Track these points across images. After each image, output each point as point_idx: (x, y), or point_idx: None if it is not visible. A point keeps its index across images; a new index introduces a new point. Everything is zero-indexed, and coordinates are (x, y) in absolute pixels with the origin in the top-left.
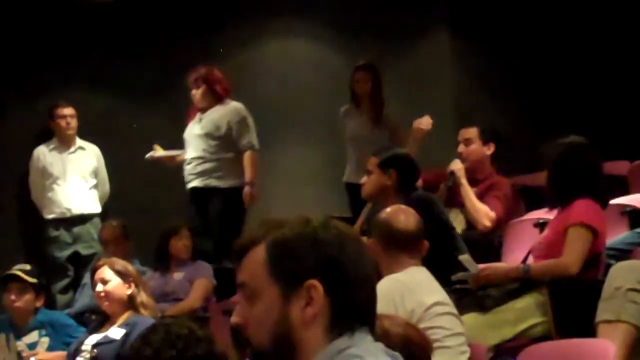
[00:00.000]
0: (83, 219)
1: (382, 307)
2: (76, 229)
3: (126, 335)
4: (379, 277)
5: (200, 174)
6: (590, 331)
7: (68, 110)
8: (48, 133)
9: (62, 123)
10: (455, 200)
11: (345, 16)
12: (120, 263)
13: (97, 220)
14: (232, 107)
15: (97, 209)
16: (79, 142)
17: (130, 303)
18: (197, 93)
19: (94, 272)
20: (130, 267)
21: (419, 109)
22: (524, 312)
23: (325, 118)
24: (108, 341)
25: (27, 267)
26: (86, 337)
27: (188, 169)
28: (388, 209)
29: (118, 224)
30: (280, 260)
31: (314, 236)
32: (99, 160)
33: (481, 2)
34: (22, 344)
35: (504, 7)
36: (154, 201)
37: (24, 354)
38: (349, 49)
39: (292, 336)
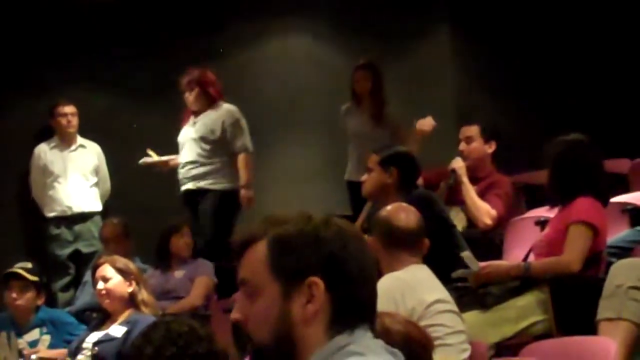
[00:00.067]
0: (84, 217)
1: (382, 305)
2: (77, 227)
3: (127, 333)
4: (380, 275)
5: (193, 178)
6: (591, 329)
7: (69, 109)
8: (49, 131)
9: (63, 121)
10: (456, 198)
11: (346, 16)
12: (122, 261)
13: (98, 218)
14: (225, 110)
15: (98, 207)
16: (80, 140)
17: (131, 301)
18: (190, 96)
19: (95, 270)
20: (131, 265)
21: (419, 109)
22: (525, 310)
23: (325, 117)
24: (109, 339)
25: (29, 265)
26: (87, 335)
27: (182, 172)
28: (389, 207)
29: (119, 222)
30: (281, 257)
31: (315, 233)
32: (99, 159)
33: (481, 2)
34: (23, 342)
35: (504, 7)
36: (154, 199)
37: (25, 352)
38: (349, 49)
39: (292, 333)
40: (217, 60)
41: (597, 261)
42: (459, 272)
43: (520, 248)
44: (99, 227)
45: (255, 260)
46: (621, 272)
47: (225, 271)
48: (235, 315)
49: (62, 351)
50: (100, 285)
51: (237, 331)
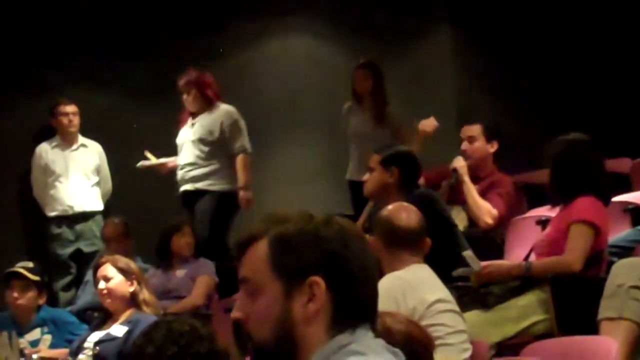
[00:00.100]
0: (85, 216)
1: (383, 304)
2: (78, 227)
3: (128, 333)
4: (381, 274)
5: (192, 179)
6: (592, 329)
7: (70, 108)
8: (50, 130)
9: (65, 121)
10: (457, 197)
11: (346, 16)
12: (123, 260)
13: (99, 217)
14: (224, 111)
15: (99, 206)
16: (81, 139)
17: (132, 300)
18: (188, 97)
19: (96, 269)
20: (132, 265)
21: (419, 109)
22: (526, 310)
23: (325, 117)
24: (110, 338)
25: (30, 264)
26: (88, 335)
27: (180, 173)
28: (390, 207)
29: (120, 222)
30: (282, 256)
31: (316, 232)
32: (101, 158)
33: (481, 2)
34: (24, 341)
35: (504, 7)
36: (156, 199)
37: (26, 351)
38: (349, 49)
39: (293, 332)
40: (217, 60)
41: (599, 261)
42: (459, 271)
43: (522, 247)
44: (101, 227)
45: (257, 259)
46: (622, 271)
47: (226, 270)
48: (235, 313)
49: (64, 351)
50: (102, 284)
51: (238, 330)
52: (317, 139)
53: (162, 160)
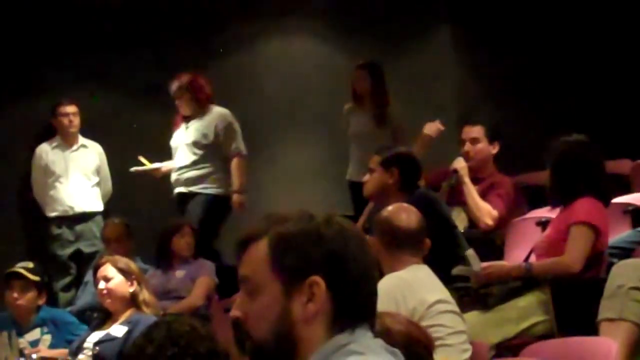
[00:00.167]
0: (85, 217)
1: (383, 305)
2: (78, 227)
3: (128, 333)
4: (381, 275)
5: (185, 182)
6: (592, 329)
7: (71, 108)
8: (50, 131)
9: (65, 121)
10: (457, 198)
11: (346, 16)
12: (123, 261)
13: (99, 218)
14: (217, 114)
15: (99, 207)
16: (82, 140)
17: (132, 301)
18: (180, 102)
19: (96, 269)
20: (132, 265)
21: (419, 109)
22: (526, 311)
23: (326, 117)
24: (110, 339)
25: (30, 264)
26: (88, 335)
27: (175, 176)
28: (390, 207)
29: (120, 222)
30: (283, 256)
31: (317, 232)
32: (101, 159)
33: (481, 2)
34: (24, 342)
35: (504, 7)
36: (156, 199)
37: (26, 352)
38: (350, 49)
39: (293, 332)
40: (217, 60)
41: (599, 262)
42: (459, 269)
43: (522, 249)
44: (101, 227)
45: (256, 258)
46: (622, 272)
47: (226, 271)
48: (235, 312)
49: (63, 351)
50: (102, 285)
51: (238, 330)
52: (317, 139)
53: (156, 165)
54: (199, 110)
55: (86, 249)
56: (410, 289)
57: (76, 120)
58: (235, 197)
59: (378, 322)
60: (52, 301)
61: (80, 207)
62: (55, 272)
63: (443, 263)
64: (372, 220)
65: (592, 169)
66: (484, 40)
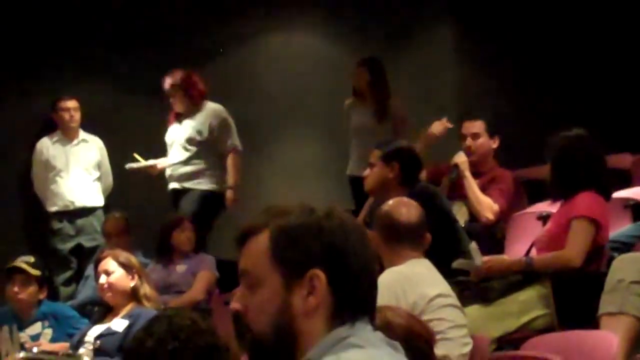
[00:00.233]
0: (86, 211)
1: (384, 299)
2: (79, 222)
3: (129, 327)
4: (381, 269)
5: (179, 178)
6: (593, 323)
7: (71, 103)
8: (51, 126)
9: (66, 116)
10: (458, 192)
11: (347, 11)
12: (124, 255)
13: (100, 212)
14: (211, 110)
15: (100, 201)
16: (82, 134)
17: (133, 295)
18: (174, 100)
19: (97, 263)
20: (133, 259)
21: (421, 104)
22: (527, 305)
23: (327, 112)
24: (111, 333)
25: (31, 259)
26: (89, 329)
27: (169, 172)
28: (390, 202)
29: (121, 216)
30: (283, 249)
31: (318, 225)
32: (102, 153)
33: None
34: (25, 336)
35: (505, 2)
36: (156, 194)
37: (27, 346)
38: (351, 44)
39: (293, 325)
40: (218, 57)
41: (599, 256)
42: (459, 262)
43: (522, 243)
44: (101, 222)
45: (257, 251)
46: (623, 266)
47: (226, 265)
48: (235, 305)
49: (64, 345)
50: (103, 279)
51: (239, 324)
52: (318, 135)
53: (151, 162)
54: (193, 107)
55: (87, 243)
56: (411, 283)
57: (77, 115)
58: (228, 193)
59: (379, 316)
60: (53, 295)
61: (81, 201)
62: (56, 267)
63: (444, 257)
64: (373, 214)
65: (592, 163)
66: (484, 35)
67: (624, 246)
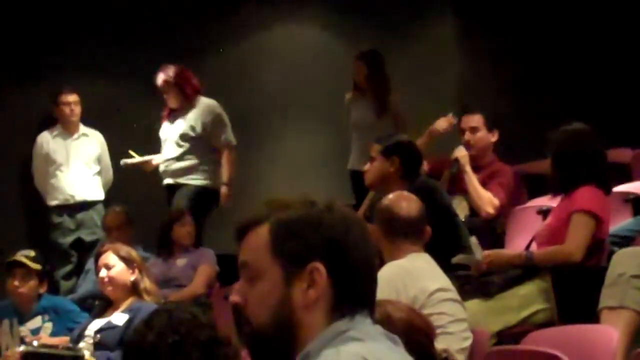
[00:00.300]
0: (86, 205)
1: (384, 293)
2: (79, 216)
3: (129, 321)
4: (381, 263)
5: (173, 173)
6: (593, 317)
7: (72, 97)
8: (52, 120)
9: (66, 110)
10: (458, 187)
11: (348, 4)
12: (125, 249)
13: (100, 206)
14: (204, 106)
15: (100, 195)
16: (83, 128)
17: (133, 289)
18: (168, 95)
19: (97, 257)
20: (134, 253)
21: (421, 98)
22: (527, 299)
23: (328, 106)
24: (111, 327)
25: (32, 253)
26: (89, 323)
27: (163, 167)
28: (390, 196)
29: (121, 210)
30: (284, 241)
31: (318, 218)
32: (102, 147)
33: None
34: (25, 330)
35: None
36: (156, 188)
37: (27, 340)
38: (352, 38)
39: (293, 318)
40: (218, 52)
41: (600, 250)
42: (459, 257)
43: (523, 237)
44: (101, 216)
45: (257, 243)
46: (623, 260)
47: (227, 259)
48: (234, 298)
49: (64, 339)
50: (103, 272)
51: (239, 318)
52: (319, 129)
53: (146, 157)
54: (186, 103)
55: (87, 237)
56: (411, 277)
57: (77, 109)
58: (223, 189)
59: (379, 310)
60: (53, 289)
61: (81, 195)
62: (57, 261)
63: (444, 251)
64: (373, 208)
65: (593, 157)
66: (485, 29)
67: (624, 240)
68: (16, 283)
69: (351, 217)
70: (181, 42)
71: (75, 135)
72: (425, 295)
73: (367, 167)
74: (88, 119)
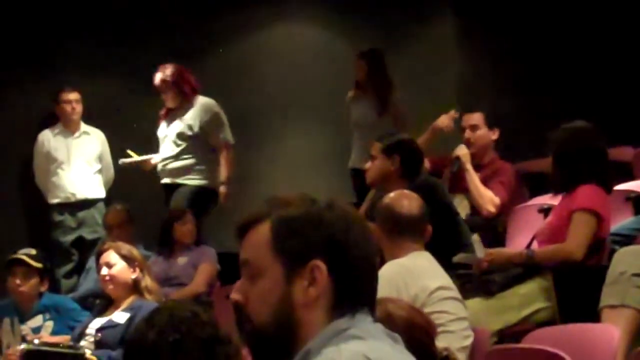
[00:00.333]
0: (87, 203)
1: (385, 292)
2: (80, 214)
3: (130, 320)
4: (382, 262)
5: (170, 173)
6: (594, 316)
7: (73, 95)
8: (53, 118)
9: (67, 108)
10: (459, 185)
11: (349, 3)
12: (126, 247)
13: (101, 205)
14: (202, 105)
15: (101, 193)
16: (84, 127)
17: (134, 287)
18: (166, 95)
19: (99, 256)
20: (135, 252)
21: (421, 97)
22: (528, 298)
23: (329, 105)
24: (112, 325)
25: (33, 251)
26: (90, 321)
27: (160, 166)
28: (391, 194)
29: (122, 209)
30: (285, 239)
31: (319, 216)
32: (103, 146)
33: None
34: (26, 328)
35: None
36: (157, 186)
37: (28, 338)
38: (353, 37)
39: (293, 316)
40: (218, 49)
41: (601, 249)
42: (460, 256)
43: (524, 235)
44: (102, 214)
45: (258, 241)
46: (624, 259)
47: (228, 258)
48: (235, 296)
49: (65, 337)
50: (104, 271)
51: (240, 317)
52: (320, 127)
53: (145, 157)
54: (184, 102)
55: (88, 235)
56: (412, 275)
57: (78, 107)
58: (222, 189)
59: (380, 308)
60: (55, 288)
61: (82, 193)
62: (58, 259)
63: (445, 250)
64: (374, 207)
65: (594, 155)
66: (485, 29)
67: (625, 239)
68: (17, 281)
69: (352, 215)
70: (181, 42)
71: (77, 134)
72: (426, 293)
73: (368, 165)
74: (88, 119)
